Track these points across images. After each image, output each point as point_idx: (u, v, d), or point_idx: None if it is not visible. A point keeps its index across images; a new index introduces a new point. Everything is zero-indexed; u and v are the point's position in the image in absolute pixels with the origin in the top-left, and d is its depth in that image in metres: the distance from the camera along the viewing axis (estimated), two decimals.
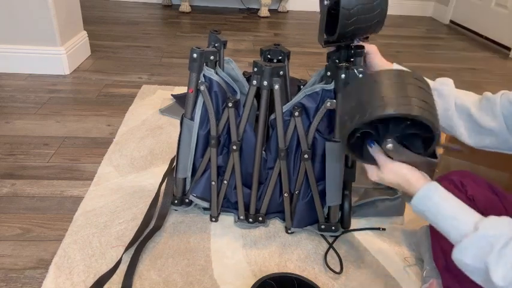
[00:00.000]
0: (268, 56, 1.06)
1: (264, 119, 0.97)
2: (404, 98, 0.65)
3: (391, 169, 0.71)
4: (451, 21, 3.52)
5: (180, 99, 1.72)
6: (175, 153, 1.35)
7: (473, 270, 0.60)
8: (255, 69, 0.94)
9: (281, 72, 0.94)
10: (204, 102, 0.97)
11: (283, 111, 0.95)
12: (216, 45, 1.02)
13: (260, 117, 0.97)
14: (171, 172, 1.17)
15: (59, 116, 1.55)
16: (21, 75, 1.86)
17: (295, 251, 1.01)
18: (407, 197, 0.71)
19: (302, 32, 3.02)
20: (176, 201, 1.08)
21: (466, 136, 0.80)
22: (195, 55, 0.95)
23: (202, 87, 0.95)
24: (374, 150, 0.72)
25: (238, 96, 1.00)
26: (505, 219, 0.60)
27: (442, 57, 2.65)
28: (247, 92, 0.97)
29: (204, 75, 0.96)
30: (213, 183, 1.03)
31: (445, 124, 0.81)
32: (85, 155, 1.32)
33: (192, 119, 1.00)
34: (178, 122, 1.56)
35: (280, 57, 1.05)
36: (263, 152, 1.01)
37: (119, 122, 1.53)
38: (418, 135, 0.71)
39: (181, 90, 1.82)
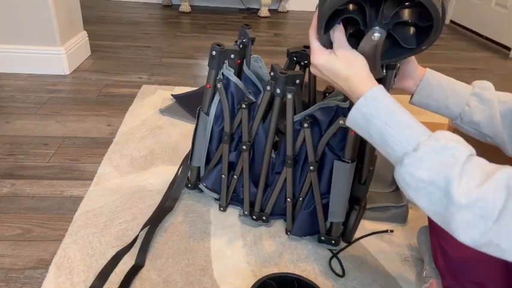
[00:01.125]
0: (295, 58, 1.03)
1: (274, 125, 0.96)
2: None
3: (346, 56, 0.62)
4: (451, 21, 3.52)
5: (180, 99, 1.72)
6: (175, 153, 1.35)
7: (427, 186, 0.51)
8: (271, 74, 0.92)
9: (297, 81, 0.91)
10: (220, 99, 0.98)
11: (295, 120, 0.93)
12: (244, 40, 1.00)
13: (271, 123, 0.96)
14: (186, 159, 1.20)
15: (59, 116, 1.55)
16: (21, 75, 1.86)
17: (295, 251, 1.01)
18: (348, 96, 0.64)
19: (302, 32, 3.03)
20: (190, 185, 1.13)
21: (509, 144, 0.73)
22: (214, 53, 0.94)
23: (219, 85, 0.96)
24: (336, 30, 0.62)
25: (254, 99, 0.99)
26: (458, 136, 0.54)
27: (442, 57, 2.65)
28: (261, 96, 0.96)
29: (222, 74, 0.96)
30: (223, 176, 1.05)
31: (490, 132, 0.74)
32: (85, 155, 1.32)
33: (207, 114, 1.01)
34: (178, 122, 1.56)
35: (306, 61, 1.02)
36: (273, 155, 1.00)
37: (118, 122, 1.53)
38: (409, 24, 0.60)
39: (181, 90, 1.82)
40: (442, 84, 0.77)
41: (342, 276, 0.94)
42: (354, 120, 0.61)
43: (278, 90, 0.91)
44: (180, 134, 1.48)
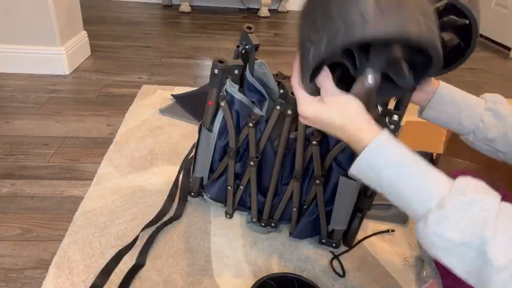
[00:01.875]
0: None
1: (284, 145, 0.92)
2: (395, 8, 0.45)
3: (337, 103, 0.55)
4: None
5: (180, 99, 1.72)
6: (175, 153, 1.35)
7: (458, 247, 0.45)
8: (281, 91, 0.86)
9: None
10: (223, 115, 0.93)
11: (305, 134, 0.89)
12: (247, 47, 0.95)
13: (280, 143, 0.92)
14: (186, 164, 1.19)
15: (59, 116, 1.55)
16: (21, 75, 1.86)
17: (295, 251, 1.01)
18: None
19: None
20: (193, 194, 1.11)
21: None
22: (216, 71, 0.87)
23: (223, 103, 0.90)
24: (322, 75, 0.55)
25: (267, 104, 0.95)
26: (480, 181, 0.49)
27: None
28: (269, 114, 0.91)
29: (226, 90, 0.90)
30: (229, 188, 1.02)
31: (504, 148, 0.70)
32: (85, 155, 1.32)
33: (210, 130, 0.97)
34: (178, 122, 1.56)
35: None
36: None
37: (118, 122, 1.53)
38: (404, 60, 0.54)
39: (181, 90, 1.82)
40: (456, 98, 0.73)
41: (342, 276, 0.94)
42: (360, 171, 0.55)
43: (289, 112, 0.86)
44: (180, 134, 1.48)
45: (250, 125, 0.91)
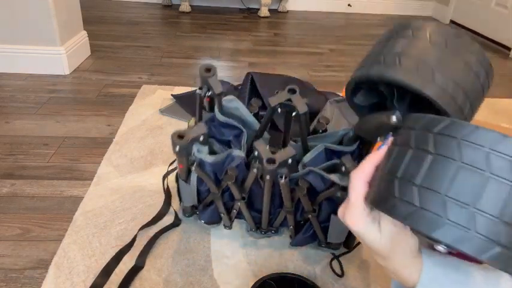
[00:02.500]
0: (279, 110, 0.87)
1: (268, 198, 0.87)
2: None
3: (391, 233, 0.47)
4: (451, 21, 3.52)
5: (180, 99, 1.72)
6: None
7: None
8: (256, 155, 0.77)
9: (289, 161, 0.76)
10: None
11: (291, 177, 0.82)
12: (210, 94, 0.87)
13: (265, 197, 0.86)
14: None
15: (58, 116, 1.55)
16: (21, 75, 1.86)
17: (295, 251, 1.01)
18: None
19: (302, 32, 3.02)
20: (187, 214, 1.05)
21: None
22: (177, 148, 0.77)
23: (193, 168, 0.83)
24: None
25: (247, 136, 0.89)
26: None
27: None
28: (247, 176, 0.84)
29: (194, 155, 0.83)
30: (222, 214, 0.98)
31: None
32: (85, 155, 1.32)
33: (187, 182, 0.90)
34: (178, 122, 1.56)
35: (294, 113, 0.86)
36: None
37: (118, 122, 1.53)
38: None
39: (181, 90, 1.82)
40: None
41: (341, 276, 0.94)
42: None
43: (268, 177, 0.78)
44: None
45: (231, 183, 0.84)
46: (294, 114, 0.86)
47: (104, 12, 3.07)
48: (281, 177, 0.77)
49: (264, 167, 0.74)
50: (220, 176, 0.87)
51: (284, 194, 0.83)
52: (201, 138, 0.79)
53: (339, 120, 1.30)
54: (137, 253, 0.95)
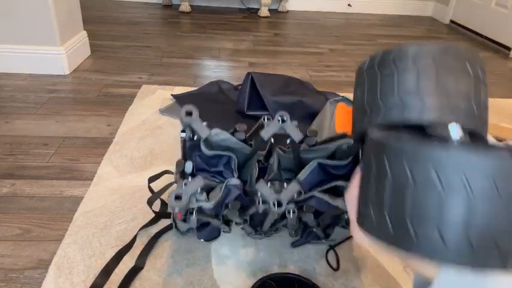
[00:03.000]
0: (272, 140, 0.85)
1: (269, 223, 0.87)
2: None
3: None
4: (451, 21, 3.52)
5: (180, 99, 1.72)
6: (175, 153, 1.35)
7: None
8: (259, 195, 0.74)
9: (294, 197, 0.75)
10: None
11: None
12: (196, 139, 0.85)
13: (265, 223, 0.86)
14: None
15: (58, 116, 1.55)
16: (21, 75, 1.86)
17: (295, 251, 1.01)
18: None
19: (302, 32, 3.02)
20: (182, 232, 1.01)
21: None
22: (177, 210, 0.74)
23: (193, 216, 0.79)
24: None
25: (238, 158, 0.88)
26: None
27: None
28: (248, 203, 0.83)
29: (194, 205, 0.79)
30: (222, 230, 0.98)
31: None
32: (85, 155, 1.32)
33: (187, 221, 0.85)
34: (178, 122, 1.56)
35: (289, 148, 0.87)
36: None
37: (118, 122, 1.53)
38: None
39: (181, 90, 1.82)
40: None
41: (336, 270, 0.94)
42: None
43: (276, 216, 0.78)
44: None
45: (239, 223, 0.84)
46: (288, 142, 0.84)
47: (104, 12, 3.07)
48: (289, 212, 0.76)
49: (272, 211, 0.73)
50: (221, 212, 0.84)
51: (290, 223, 0.82)
52: (199, 191, 0.76)
53: None
54: (137, 253, 0.95)
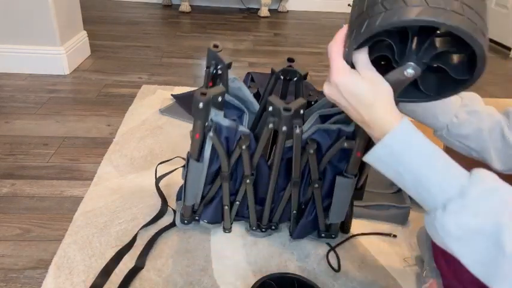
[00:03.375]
0: (281, 76, 0.98)
1: (279, 158, 0.89)
2: None
3: (372, 79, 0.53)
4: None
5: (180, 99, 1.72)
6: (175, 153, 1.35)
7: (472, 235, 0.46)
8: (270, 109, 0.82)
9: (301, 111, 0.82)
10: (212, 143, 0.88)
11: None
12: (219, 67, 0.92)
13: (275, 158, 0.89)
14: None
15: (58, 116, 1.55)
16: (21, 75, 1.86)
17: (295, 251, 1.01)
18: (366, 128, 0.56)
19: (302, 32, 3.03)
20: (186, 221, 1.03)
21: (495, 159, 0.68)
22: (200, 105, 0.80)
23: (211, 133, 0.85)
24: (361, 51, 0.54)
25: (247, 117, 0.93)
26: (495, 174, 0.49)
27: None
28: (259, 128, 0.88)
29: (211, 119, 0.85)
30: (226, 207, 0.98)
31: (477, 146, 0.69)
32: (85, 155, 1.32)
33: (199, 161, 0.90)
34: (178, 122, 1.56)
35: (296, 78, 0.97)
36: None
37: (118, 122, 1.53)
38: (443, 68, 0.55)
39: (181, 90, 1.82)
40: None
41: (338, 271, 0.94)
42: (378, 157, 0.54)
43: (284, 128, 0.82)
44: (180, 134, 1.48)
45: (244, 147, 0.87)
46: (295, 79, 0.97)
47: (104, 12, 3.07)
48: (295, 127, 0.82)
49: (282, 115, 0.79)
50: (232, 146, 0.89)
51: (295, 145, 0.85)
52: (220, 98, 0.84)
53: None
54: (137, 253, 0.95)
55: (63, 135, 1.42)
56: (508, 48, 2.81)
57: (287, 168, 0.94)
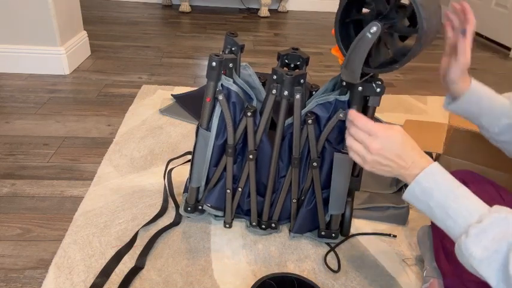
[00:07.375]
0: (286, 61, 1.03)
1: (281, 129, 0.94)
2: None
3: (388, 136, 0.63)
4: None
5: (180, 99, 1.72)
6: (175, 153, 1.35)
7: (491, 255, 0.53)
8: (275, 77, 0.90)
9: (302, 81, 0.90)
10: (221, 111, 0.93)
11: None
12: (233, 49, 0.98)
13: (278, 128, 0.94)
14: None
15: (59, 116, 1.55)
16: (21, 75, 1.86)
17: (295, 251, 1.01)
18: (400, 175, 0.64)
19: (302, 32, 3.03)
20: (189, 209, 1.05)
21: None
22: (214, 64, 0.89)
23: (220, 97, 0.91)
24: (352, 115, 0.66)
25: (255, 104, 0.97)
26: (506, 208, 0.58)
27: None
28: (264, 100, 0.94)
29: (222, 85, 0.92)
30: (228, 191, 1.01)
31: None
32: (85, 155, 1.32)
33: (208, 129, 0.96)
34: (178, 122, 1.56)
35: (298, 63, 1.02)
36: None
37: (118, 122, 1.53)
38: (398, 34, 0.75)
39: (181, 90, 1.82)
40: (481, 103, 0.80)
41: (337, 271, 0.95)
42: (413, 194, 0.63)
43: (286, 92, 0.89)
44: (180, 134, 1.48)
45: (249, 114, 0.92)
46: (298, 63, 1.04)
47: (104, 12, 3.07)
48: (296, 94, 0.90)
49: (284, 78, 0.88)
50: (238, 117, 0.95)
51: (296, 114, 0.91)
52: (231, 64, 0.93)
53: None
54: (137, 253, 0.95)
55: (63, 135, 1.42)
56: (508, 48, 2.81)
57: (287, 151, 0.97)
